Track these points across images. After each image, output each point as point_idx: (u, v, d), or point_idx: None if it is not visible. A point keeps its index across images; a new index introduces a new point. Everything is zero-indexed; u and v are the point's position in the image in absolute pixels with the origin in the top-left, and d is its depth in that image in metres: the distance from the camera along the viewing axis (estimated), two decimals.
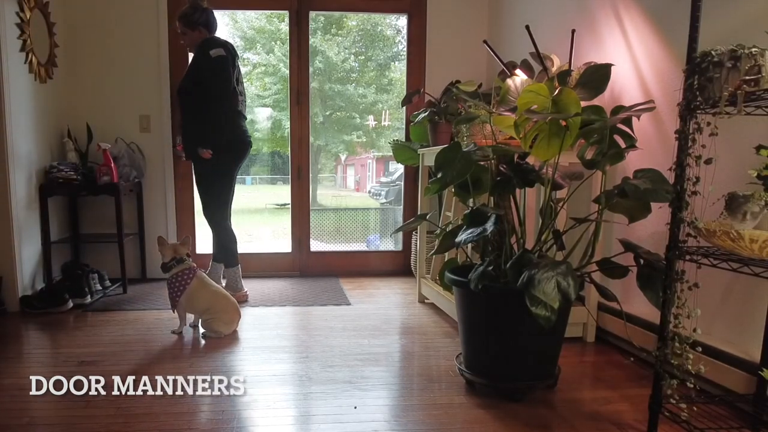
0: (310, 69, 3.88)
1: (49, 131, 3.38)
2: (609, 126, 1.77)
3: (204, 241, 3.68)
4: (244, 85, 3.12)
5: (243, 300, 3.16)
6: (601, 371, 2.17)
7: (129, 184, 3.49)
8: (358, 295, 3.40)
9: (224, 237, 3.16)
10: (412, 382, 2.04)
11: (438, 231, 2.44)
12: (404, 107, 3.86)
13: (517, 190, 2.03)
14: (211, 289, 2.59)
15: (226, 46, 2.95)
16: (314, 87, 3.95)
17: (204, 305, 2.56)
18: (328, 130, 4.35)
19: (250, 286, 3.39)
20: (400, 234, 4.22)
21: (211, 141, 2.93)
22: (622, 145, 1.83)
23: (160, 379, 2.04)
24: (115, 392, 1.92)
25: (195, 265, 2.62)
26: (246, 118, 3.13)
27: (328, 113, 4.29)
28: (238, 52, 3.04)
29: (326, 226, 4.18)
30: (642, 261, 1.72)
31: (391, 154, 3.60)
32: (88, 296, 3.13)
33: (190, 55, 3.25)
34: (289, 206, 4.00)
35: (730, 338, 1.85)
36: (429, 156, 3.12)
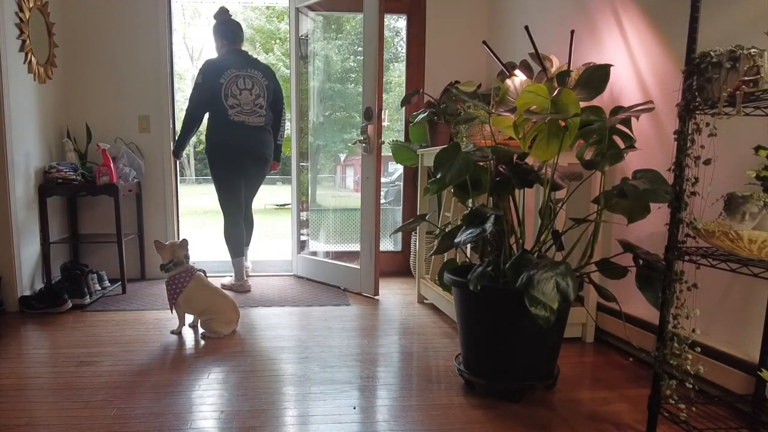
0: (310, 68, 3.89)
1: (48, 131, 3.37)
2: (608, 126, 1.77)
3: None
4: (245, 92, 3.25)
5: (244, 290, 3.42)
6: (600, 372, 2.17)
7: (128, 185, 3.49)
8: (357, 295, 3.40)
9: (224, 230, 3.47)
10: (411, 383, 2.04)
11: (437, 231, 2.45)
12: (403, 108, 3.87)
13: (516, 191, 2.03)
14: (208, 289, 2.60)
15: (212, 65, 3.22)
16: (314, 86, 3.96)
17: (202, 306, 2.56)
18: (328, 130, 4.35)
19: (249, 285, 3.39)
20: (400, 234, 4.22)
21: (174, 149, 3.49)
22: (621, 145, 1.83)
23: (159, 379, 2.05)
24: (115, 392, 1.92)
25: (193, 267, 2.63)
26: (247, 125, 3.26)
27: (327, 113, 4.30)
28: (238, 61, 3.25)
29: (325, 226, 4.18)
30: (641, 261, 1.73)
31: (391, 154, 3.60)
32: (88, 296, 3.13)
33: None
34: (290, 206, 4.01)
35: (729, 339, 1.86)
36: (428, 156, 3.12)
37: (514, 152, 1.99)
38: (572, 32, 2.35)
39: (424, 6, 3.83)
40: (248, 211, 3.61)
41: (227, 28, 3.30)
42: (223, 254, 3.75)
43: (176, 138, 3.39)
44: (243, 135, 3.23)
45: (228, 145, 3.23)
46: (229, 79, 3.19)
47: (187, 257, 2.63)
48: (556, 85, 1.87)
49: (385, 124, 4.25)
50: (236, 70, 3.21)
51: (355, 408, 1.82)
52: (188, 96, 3.25)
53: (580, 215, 2.42)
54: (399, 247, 4.23)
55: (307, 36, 3.81)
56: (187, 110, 3.27)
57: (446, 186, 1.90)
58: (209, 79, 3.19)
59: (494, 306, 1.84)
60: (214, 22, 3.33)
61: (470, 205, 2.12)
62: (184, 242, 2.64)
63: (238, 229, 3.43)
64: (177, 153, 3.44)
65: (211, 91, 3.18)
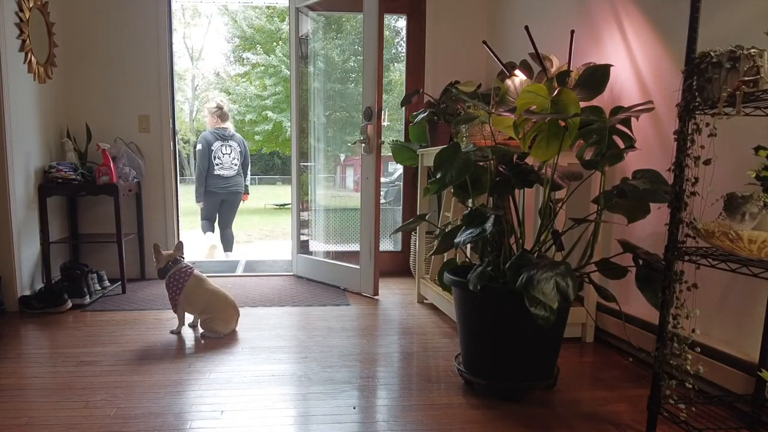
0: (311, 68, 3.89)
1: (48, 131, 3.37)
2: (608, 126, 1.77)
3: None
4: (226, 156, 4.85)
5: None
6: (600, 371, 2.17)
7: (128, 184, 3.49)
8: (357, 295, 3.40)
9: (201, 224, 5.09)
10: (411, 383, 2.04)
11: (437, 231, 2.45)
12: (403, 108, 3.87)
13: (516, 191, 2.03)
14: (208, 288, 2.60)
15: (206, 139, 4.78)
16: (314, 86, 3.96)
17: (202, 304, 2.57)
18: (328, 130, 4.36)
19: (249, 284, 3.38)
20: (400, 234, 4.22)
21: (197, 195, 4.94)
22: (621, 145, 1.83)
23: (159, 379, 2.05)
24: (115, 392, 1.92)
25: (191, 265, 2.63)
26: (223, 176, 4.84)
27: (327, 113, 4.30)
28: (221, 136, 4.84)
29: (325, 226, 4.18)
30: (641, 261, 1.73)
31: (391, 154, 3.60)
32: (87, 296, 3.13)
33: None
34: (290, 206, 4.01)
35: (728, 339, 1.86)
36: (428, 156, 3.12)
37: (514, 152, 1.99)
38: (572, 32, 2.35)
39: (424, 6, 3.83)
40: (228, 230, 5.05)
41: (222, 112, 4.90)
42: (223, 254, 3.88)
43: (195, 188, 4.84)
44: (224, 182, 4.88)
45: (214, 187, 4.86)
46: (216, 148, 4.81)
47: (182, 257, 2.65)
48: (556, 85, 1.87)
49: (385, 124, 4.25)
50: (221, 142, 4.83)
51: (355, 408, 1.82)
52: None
53: (580, 215, 2.42)
54: (399, 247, 4.23)
55: (307, 36, 3.81)
56: (197, 167, 4.93)
57: (446, 186, 1.90)
58: (205, 146, 4.81)
59: (494, 306, 1.84)
60: (214, 106, 4.92)
61: (470, 205, 2.12)
62: (180, 245, 2.70)
63: (208, 225, 5.04)
64: (199, 198, 4.86)
65: (207, 154, 4.83)
